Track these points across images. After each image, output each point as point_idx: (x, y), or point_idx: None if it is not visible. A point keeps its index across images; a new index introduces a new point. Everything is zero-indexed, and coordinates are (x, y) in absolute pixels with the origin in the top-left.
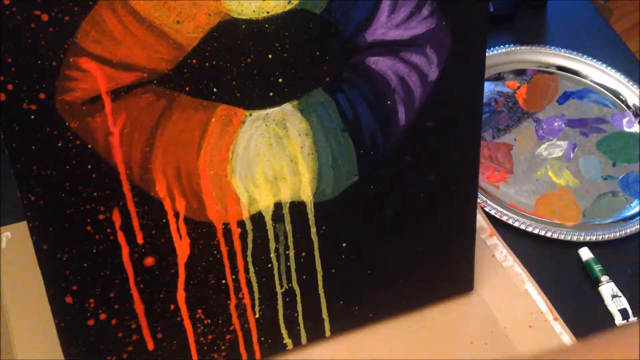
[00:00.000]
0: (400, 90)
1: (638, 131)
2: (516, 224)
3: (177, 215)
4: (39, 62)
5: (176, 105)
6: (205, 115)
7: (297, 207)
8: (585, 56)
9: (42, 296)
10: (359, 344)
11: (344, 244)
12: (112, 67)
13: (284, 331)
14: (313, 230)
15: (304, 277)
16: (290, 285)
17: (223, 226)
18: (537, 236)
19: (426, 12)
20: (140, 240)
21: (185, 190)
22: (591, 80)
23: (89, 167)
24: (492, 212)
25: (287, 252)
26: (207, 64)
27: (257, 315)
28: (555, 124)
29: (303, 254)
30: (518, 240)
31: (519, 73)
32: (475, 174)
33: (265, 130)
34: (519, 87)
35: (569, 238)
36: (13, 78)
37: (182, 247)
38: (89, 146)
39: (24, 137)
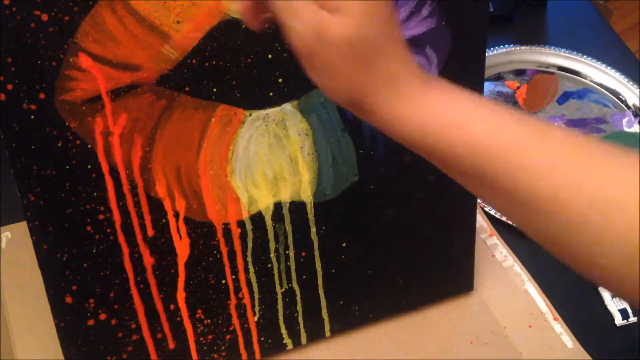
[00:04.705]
0: None
1: (638, 131)
2: None
3: (177, 215)
4: (39, 62)
5: (176, 105)
6: (205, 115)
7: (297, 207)
8: (585, 56)
9: (42, 296)
10: (359, 344)
11: (344, 244)
12: (112, 67)
13: (284, 331)
14: (313, 230)
15: (304, 277)
16: (290, 285)
17: (223, 226)
18: None
19: (426, 12)
20: (140, 240)
21: (185, 190)
22: (591, 80)
23: (89, 167)
24: (492, 212)
25: (287, 252)
26: (207, 64)
27: (257, 316)
28: (555, 124)
29: (303, 254)
30: (518, 240)
31: (519, 73)
32: None
33: (265, 130)
34: (519, 87)
35: None
36: (13, 78)
37: (182, 247)
38: (89, 146)
39: (24, 137)
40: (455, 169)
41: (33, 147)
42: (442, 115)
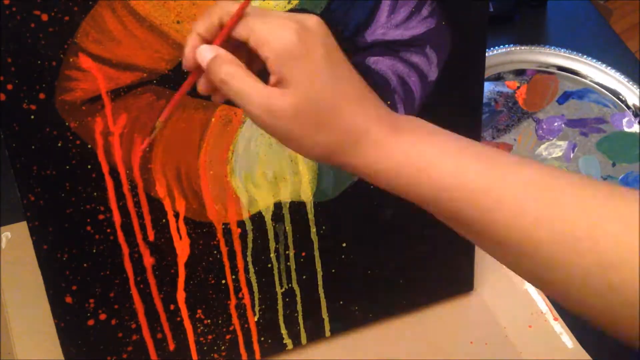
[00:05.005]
0: (400, 90)
1: (638, 131)
2: None
3: (177, 215)
4: (39, 62)
5: None
6: (205, 115)
7: (297, 207)
8: (585, 56)
9: (42, 296)
10: (359, 344)
11: (344, 244)
12: (112, 67)
13: (284, 331)
14: (313, 230)
15: (304, 277)
16: (290, 285)
17: (223, 226)
18: None
19: (426, 12)
20: (140, 240)
21: (185, 191)
22: (591, 80)
23: (89, 167)
24: None
25: (287, 252)
26: None
27: (257, 316)
28: (555, 124)
29: (303, 254)
30: None
31: (519, 73)
32: None
33: None
34: (519, 87)
35: None
36: (13, 78)
37: (182, 247)
38: (89, 146)
39: (24, 137)
40: (435, 213)
41: (33, 147)
42: (408, 161)
